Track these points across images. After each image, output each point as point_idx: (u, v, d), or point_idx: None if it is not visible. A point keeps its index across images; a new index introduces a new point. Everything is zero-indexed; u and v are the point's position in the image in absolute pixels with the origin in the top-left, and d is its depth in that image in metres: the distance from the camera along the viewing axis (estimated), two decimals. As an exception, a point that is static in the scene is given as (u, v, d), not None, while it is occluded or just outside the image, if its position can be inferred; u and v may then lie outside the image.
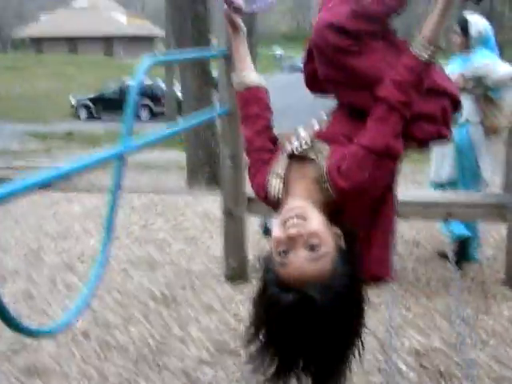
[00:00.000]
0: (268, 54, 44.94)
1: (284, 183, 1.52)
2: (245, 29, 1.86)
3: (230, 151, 3.87)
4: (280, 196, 1.52)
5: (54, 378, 2.98)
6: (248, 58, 1.84)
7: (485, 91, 4.13)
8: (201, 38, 8.07)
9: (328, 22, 1.50)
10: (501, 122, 4.12)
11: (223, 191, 4.00)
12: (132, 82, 2.60)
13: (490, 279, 4.03)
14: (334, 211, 1.45)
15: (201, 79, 8.19)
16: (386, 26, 1.60)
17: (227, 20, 1.84)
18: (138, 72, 2.64)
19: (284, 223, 1.33)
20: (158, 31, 54.71)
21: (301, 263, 1.28)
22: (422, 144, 1.67)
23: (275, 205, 1.54)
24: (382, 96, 1.47)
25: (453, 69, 4.21)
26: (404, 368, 2.97)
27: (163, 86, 22.59)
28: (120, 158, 2.42)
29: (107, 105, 24.36)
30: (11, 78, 30.21)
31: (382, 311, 3.57)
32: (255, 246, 4.62)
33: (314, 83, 1.78)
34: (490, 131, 4.16)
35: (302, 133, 1.55)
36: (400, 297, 3.72)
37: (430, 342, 3.23)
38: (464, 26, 4.15)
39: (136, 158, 11.58)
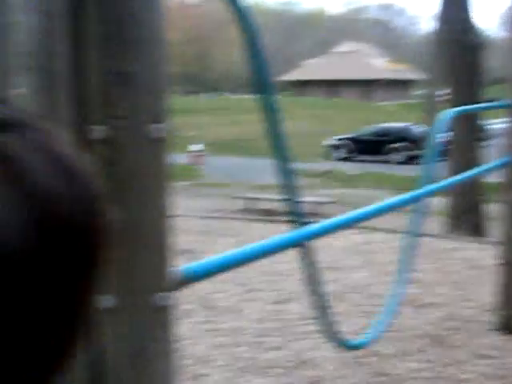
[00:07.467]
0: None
1: None
2: None
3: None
4: None
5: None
6: None
7: None
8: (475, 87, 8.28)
9: None
10: None
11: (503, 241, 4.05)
12: (434, 131, 2.86)
13: None
14: None
15: (471, 129, 8.29)
16: None
17: None
18: (439, 123, 2.90)
19: None
20: (413, 75, 54.68)
21: None
22: None
23: None
24: None
25: None
26: None
27: (415, 129, 22.71)
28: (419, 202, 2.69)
29: (361, 147, 24.98)
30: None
31: None
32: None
33: None
34: None
35: None
36: None
37: None
38: None
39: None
